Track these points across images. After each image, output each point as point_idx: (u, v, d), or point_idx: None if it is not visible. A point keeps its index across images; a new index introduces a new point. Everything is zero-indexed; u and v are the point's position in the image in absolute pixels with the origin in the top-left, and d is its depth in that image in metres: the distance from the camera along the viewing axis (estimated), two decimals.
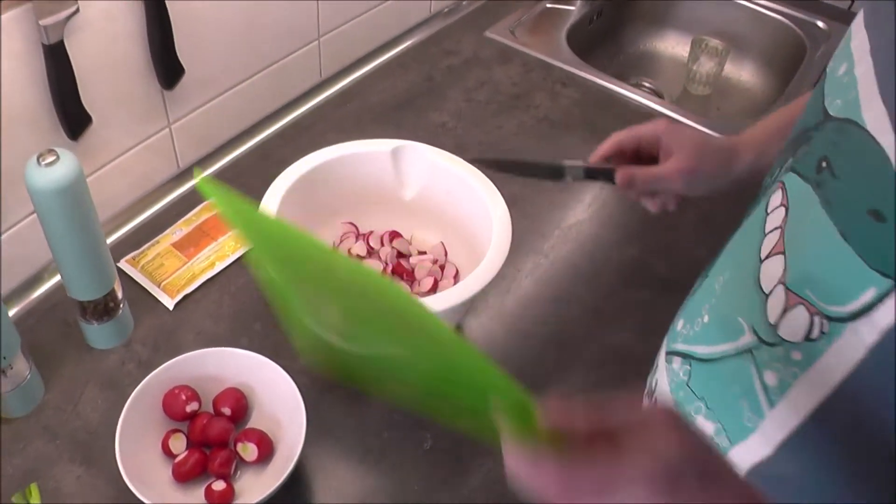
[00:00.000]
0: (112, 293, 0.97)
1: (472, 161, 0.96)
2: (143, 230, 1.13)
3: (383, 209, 1.06)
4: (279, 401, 0.90)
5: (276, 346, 0.98)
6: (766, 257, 0.58)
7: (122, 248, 1.09)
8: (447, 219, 1.04)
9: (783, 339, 0.56)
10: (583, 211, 1.18)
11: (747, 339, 0.60)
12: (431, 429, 0.94)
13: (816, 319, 0.53)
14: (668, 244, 1.14)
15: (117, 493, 0.87)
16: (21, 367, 0.92)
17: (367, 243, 1.04)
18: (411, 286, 1.01)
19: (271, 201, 0.95)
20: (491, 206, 0.97)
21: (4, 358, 0.89)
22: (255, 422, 0.92)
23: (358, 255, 1.02)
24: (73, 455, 0.91)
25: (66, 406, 0.95)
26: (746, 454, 0.60)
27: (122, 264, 1.07)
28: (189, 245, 1.09)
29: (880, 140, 0.48)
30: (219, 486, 0.86)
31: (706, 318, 0.66)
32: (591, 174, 0.83)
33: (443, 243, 1.04)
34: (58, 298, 1.04)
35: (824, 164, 0.54)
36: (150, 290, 1.05)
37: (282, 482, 0.82)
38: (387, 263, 1.01)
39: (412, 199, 1.05)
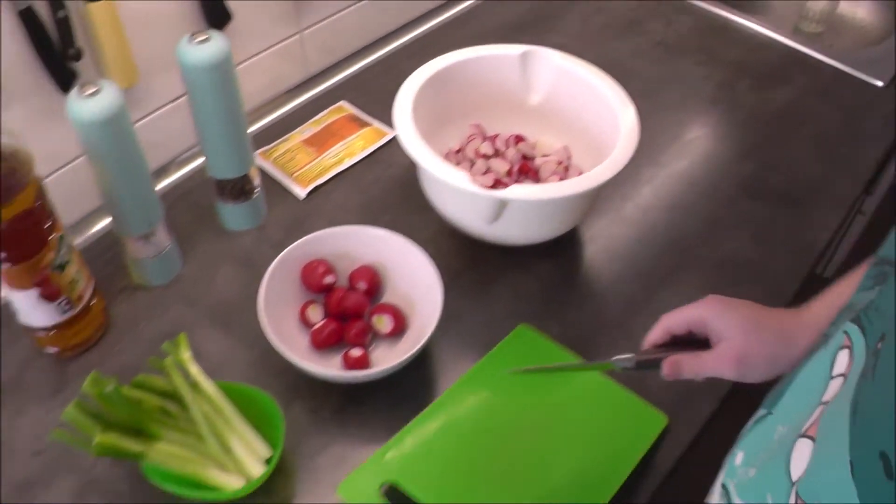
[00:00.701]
0: (249, 175, 0.99)
1: (516, 370, 0.88)
2: (273, 129, 1.15)
3: (509, 113, 1.06)
4: (413, 280, 0.92)
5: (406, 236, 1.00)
6: (802, 434, 0.50)
7: (254, 143, 1.11)
8: (573, 124, 1.04)
9: None
10: (700, 127, 1.18)
11: None
12: (557, 317, 0.95)
13: None
14: (784, 159, 1.13)
15: (256, 357, 0.90)
16: (162, 237, 0.95)
17: (494, 144, 1.04)
18: None
19: (406, 97, 0.96)
20: (619, 109, 0.97)
21: (150, 223, 0.92)
22: (387, 299, 0.94)
23: (485, 155, 1.03)
24: (212, 321, 0.94)
25: (203, 279, 0.98)
26: None
27: (255, 156, 1.09)
28: (318, 143, 1.11)
29: None
30: (356, 352, 0.88)
31: (752, 472, 0.58)
32: (642, 366, 0.77)
33: (566, 147, 1.05)
34: (192, 185, 1.07)
35: (880, 345, 0.45)
36: (282, 182, 1.07)
37: (417, 351, 0.84)
38: (512, 164, 1.02)
39: (538, 103, 1.06)
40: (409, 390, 0.88)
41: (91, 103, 0.81)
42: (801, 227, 1.04)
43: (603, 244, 1.02)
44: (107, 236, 1.01)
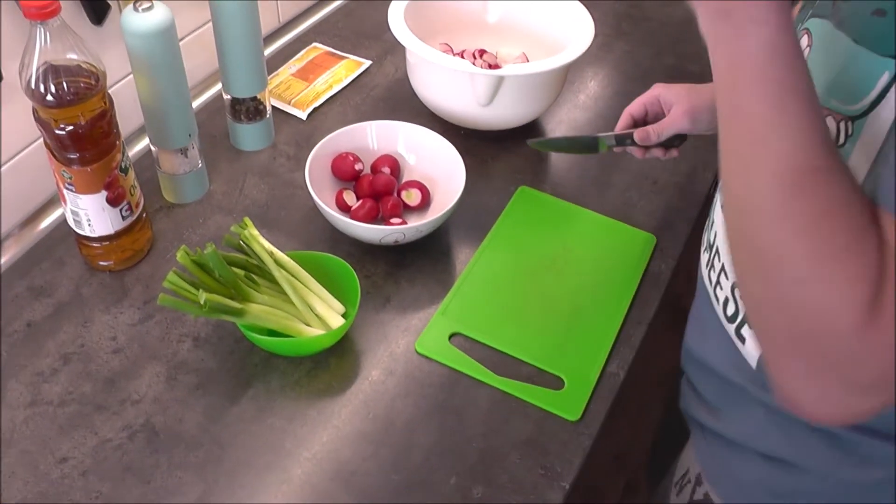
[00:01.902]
0: (260, 98, 1.06)
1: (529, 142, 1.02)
2: None
3: (472, 32, 1.18)
4: (431, 162, 1.01)
5: None
6: None
7: None
8: (526, 34, 1.17)
9: None
10: (621, 36, 1.34)
11: None
12: (548, 181, 1.07)
13: (842, 125, 0.56)
14: (695, 53, 1.30)
15: (301, 244, 0.97)
16: (194, 155, 1.00)
17: (463, 58, 1.15)
18: None
19: (396, 16, 1.06)
20: (568, 10, 1.11)
21: (189, 135, 0.97)
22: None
23: None
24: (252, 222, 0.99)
25: (232, 191, 1.04)
26: None
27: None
28: (306, 75, 1.18)
29: None
30: (396, 220, 0.96)
31: None
32: (620, 140, 0.94)
33: (524, 53, 1.18)
34: (202, 117, 1.12)
35: None
36: (284, 108, 1.14)
37: (451, 207, 0.93)
38: None
39: (495, 21, 1.18)
40: (441, 251, 0.98)
41: (146, 17, 0.86)
42: None
43: (569, 125, 1.16)
44: (135, 164, 1.05)
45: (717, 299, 0.74)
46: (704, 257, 0.78)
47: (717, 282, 0.74)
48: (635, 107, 0.95)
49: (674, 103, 0.91)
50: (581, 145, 0.99)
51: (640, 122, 0.95)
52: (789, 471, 0.71)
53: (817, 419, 0.54)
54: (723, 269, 0.72)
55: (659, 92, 0.94)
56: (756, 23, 0.49)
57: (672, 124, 0.91)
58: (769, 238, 0.50)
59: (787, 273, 0.50)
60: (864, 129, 0.54)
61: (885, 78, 0.53)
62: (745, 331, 0.69)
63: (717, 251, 0.74)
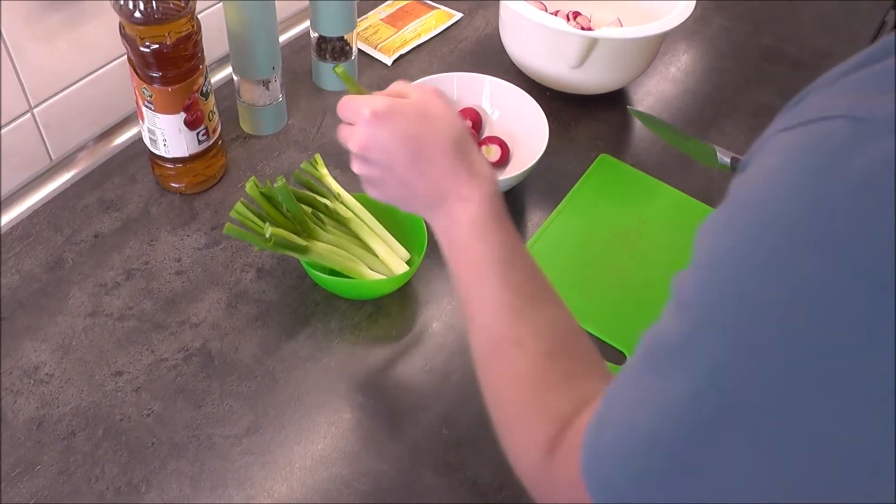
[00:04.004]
0: (347, 39, 1.01)
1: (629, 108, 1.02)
2: None
3: None
4: (514, 119, 0.95)
5: None
6: None
7: None
8: (624, 1, 1.10)
9: None
10: (719, 11, 1.25)
11: None
12: (630, 151, 1.00)
13: None
14: (793, 35, 1.21)
15: None
16: (276, 88, 0.96)
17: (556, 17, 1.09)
18: None
19: None
20: None
21: (273, 68, 0.94)
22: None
23: None
24: (326, 161, 0.94)
25: (309, 128, 0.99)
26: None
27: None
28: (395, 21, 1.13)
29: None
30: None
31: None
32: (736, 165, 0.82)
33: (619, 19, 1.11)
34: (285, 54, 1.06)
35: None
36: (370, 52, 1.09)
37: (531, 166, 0.87)
38: None
39: None
40: (514, 210, 0.91)
41: None
42: None
43: (656, 97, 1.09)
44: (216, 93, 1.01)
45: None
46: None
47: None
48: None
49: None
50: (687, 143, 0.90)
51: None
52: None
53: None
54: None
55: None
56: (463, 201, 0.59)
57: None
58: (483, 385, 0.58)
59: (493, 416, 0.56)
60: None
61: None
62: None
63: None
